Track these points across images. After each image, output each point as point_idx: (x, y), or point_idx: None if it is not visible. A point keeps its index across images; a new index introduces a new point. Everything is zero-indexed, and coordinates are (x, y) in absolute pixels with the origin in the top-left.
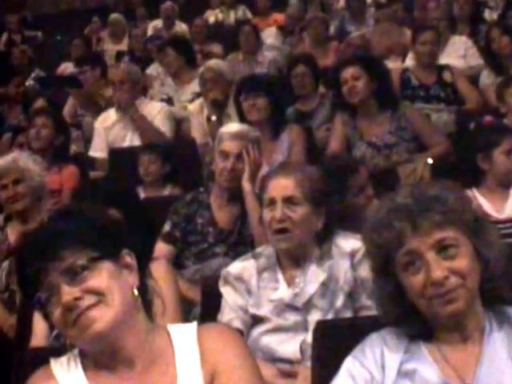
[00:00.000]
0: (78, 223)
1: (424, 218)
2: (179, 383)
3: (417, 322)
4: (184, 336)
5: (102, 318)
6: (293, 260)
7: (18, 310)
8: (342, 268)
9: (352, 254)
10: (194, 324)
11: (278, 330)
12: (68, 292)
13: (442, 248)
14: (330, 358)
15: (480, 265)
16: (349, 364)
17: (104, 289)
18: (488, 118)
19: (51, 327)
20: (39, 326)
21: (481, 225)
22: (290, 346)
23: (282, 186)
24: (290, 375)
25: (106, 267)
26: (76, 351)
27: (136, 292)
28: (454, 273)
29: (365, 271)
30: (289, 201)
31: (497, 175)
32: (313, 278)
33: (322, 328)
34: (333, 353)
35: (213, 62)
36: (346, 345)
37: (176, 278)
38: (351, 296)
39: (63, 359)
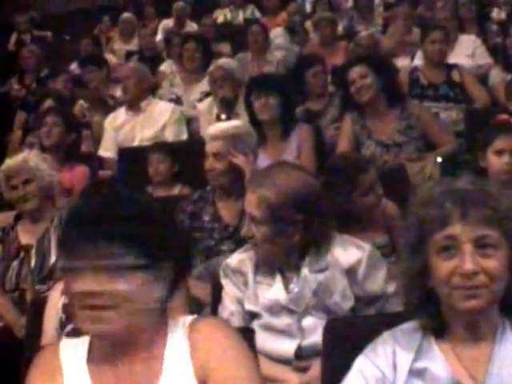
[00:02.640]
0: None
1: (477, 209)
2: (163, 377)
3: (433, 311)
4: (177, 330)
5: (112, 322)
6: (286, 261)
7: (28, 309)
8: (338, 284)
9: (350, 271)
10: (189, 318)
11: (271, 328)
12: (94, 282)
13: (481, 244)
14: (341, 357)
15: (510, 274)
16: (360, 363)
17: (122, 298)
18: (501, 117)
19: (61, 326)
20: (49, 325)
21: None
22: (284, 346)
23: (248, 201)
24: (301, 370)
25: (138, 277)
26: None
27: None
28: (485, 272)
29: (374, 284)
30: (252, 218)
31: (491, 174)
32: (305, 284)
33: (332, 326)
34: (343, 351)
35: (222, 61)
36: (357, 343)
37: None
38: (354, 310)
39: (74, 340)
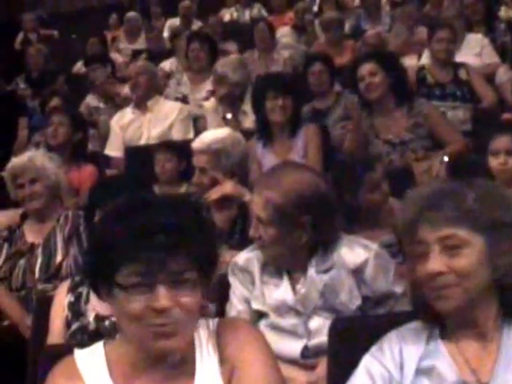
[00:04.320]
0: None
1: (437, 211)
2: (197, 382)
3: (437, 311)
4: (204, 336)
5: (177, 337)
6: (293, 262)
7: (34, 308)
8: (345, 283)
9: (357, 271)
10: (215, 321)
11: (277, 328)
12: (165, 297)
13: (448, 244)
14: (347, 356)
15: (490, 270)
16: (367, 362)
17: (192, 311)
18: (506, 116)
19: (67, 325)
20: (55, 324)
21: (504, 231)
22: (290, 346)
23: (254, 203)
24: (308, 369)
25: (199, 291)
26: (101, 343)
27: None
28: (453, 271)
29: (382, 284)
30: (259, 220)
31: (496, 176)
32: (312, 285)
33: (338, 326)
34: (349, 351)
35: (218, 63)
36: (363, 343)
37: None
38: (361, 310)
39: (87, 350)
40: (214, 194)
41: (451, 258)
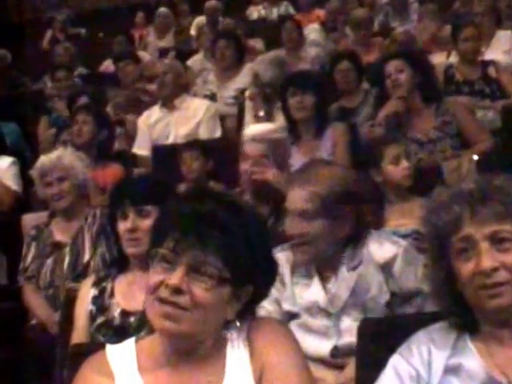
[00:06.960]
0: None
1: (484, 206)
2: (226, 380)
3: (466, 312)
4: (236, 334)
5: (183, 323)
6: (325, 262)
7: (62, 306)
8: (374, 278)
9: (386, 266)
10: (248, 318)
11: (308, 327)
12: (180, 277)
13: (497, 240)
14: (375, 357)
15: None
16: (395, 362)
17: (202, 305)
18: None
19: (92, 319)
20: (80, 318)
21: None
22: (320, 346)
23: (297, 198)
24: (337, 368)
25: (224, 290)
26: (132, 339)
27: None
28: (505, 267)
29: (410, 280)
30: (303, 214)
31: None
32: (343, 283)
33: (366, 326)
34: (378, 351)
35: (256, 60)
36: (391, 343)
37: None
38: (390, 307)
39: (118, 346)
40: (256, 175)
41: (501, 254)
